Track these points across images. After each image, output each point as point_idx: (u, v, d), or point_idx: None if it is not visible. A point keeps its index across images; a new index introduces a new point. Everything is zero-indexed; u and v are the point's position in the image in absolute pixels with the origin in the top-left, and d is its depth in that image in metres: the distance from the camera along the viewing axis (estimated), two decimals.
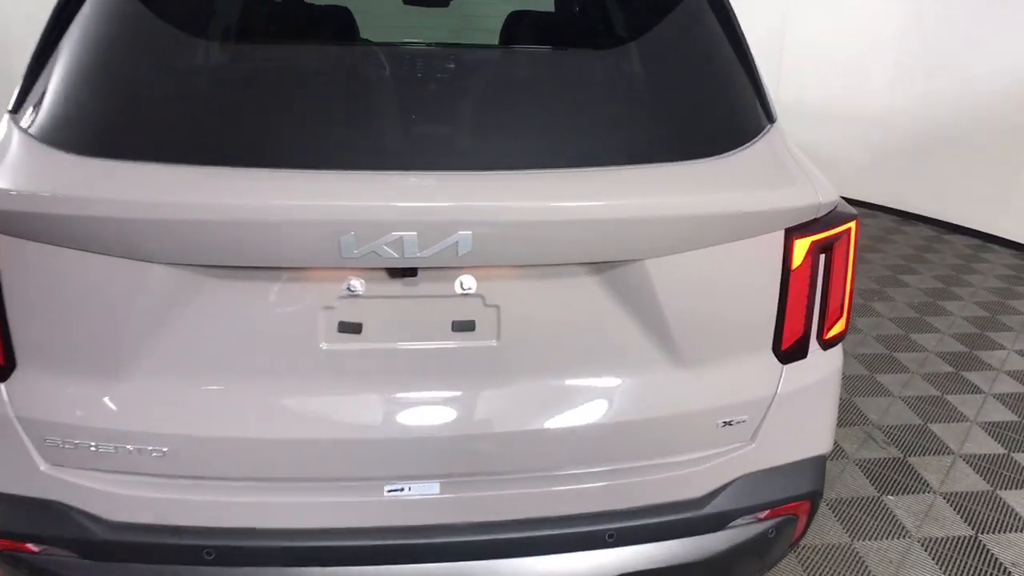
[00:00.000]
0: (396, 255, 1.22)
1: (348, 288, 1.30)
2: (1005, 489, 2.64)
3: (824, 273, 1.47)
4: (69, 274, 1.27)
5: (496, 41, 1.98)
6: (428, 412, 1.38)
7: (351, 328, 1.33)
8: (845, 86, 6.13)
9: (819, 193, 1.40)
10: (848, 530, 2.41)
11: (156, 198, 1.21)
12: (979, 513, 2.52)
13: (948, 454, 2.85)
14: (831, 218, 1.44)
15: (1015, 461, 2.81)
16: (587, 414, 1.41)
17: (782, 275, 1.41)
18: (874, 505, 2.54)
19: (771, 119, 1.53)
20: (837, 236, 1.45)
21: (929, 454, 2.84)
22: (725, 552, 1.50)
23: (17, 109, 1.39)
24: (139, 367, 1.32)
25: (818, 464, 1.61)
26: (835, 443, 2.80)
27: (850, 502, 2.55)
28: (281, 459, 1.36)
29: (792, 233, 1.39)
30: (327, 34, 1.76)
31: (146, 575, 1.37)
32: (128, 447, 1.33)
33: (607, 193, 1.29)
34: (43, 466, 1.36)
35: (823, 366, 1.55)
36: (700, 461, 1.49)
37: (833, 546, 2.34)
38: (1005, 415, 3.14)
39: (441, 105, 1.44)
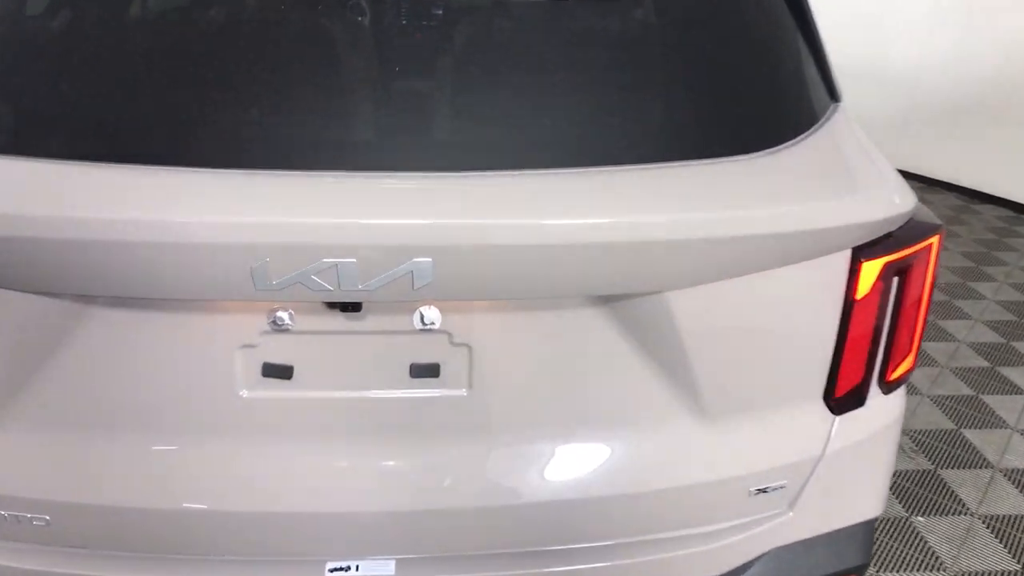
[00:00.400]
0: (330, 287, 0.88)
1: (273, 322, 0.97)
2: None
3: (895, 301, 1.12)
4: None
5: None
6: (379, 480, 1.07)
7: (279, 371, 1.02)
8: (867, 42, 5.68)
9: (897, 199, 1.04)
10: (875, 558, 2.12)
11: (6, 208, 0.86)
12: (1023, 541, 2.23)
13: (986, 467, 2.54)
14: (909, 231, 1.09)
15: None
16: (584, 484, 1.08)
17: (843, 307, 1.06)
18: (903, 528, 2.25)
19: (835, 98, 1.15)
20: (916, 254, 1.09)
21: (964, 467, 2.54)
22: None
23: None
24: (10, 417, 1.02)
25: (866, 531, 1.30)
26: None
27: (879, 523, 2.26)
28: (192, 533, 1.06)
29: (860, 253, 1.04)
30: None
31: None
32: (2, 513, 1.05)
33: (621, 205, 0.92)
34: None
35: (883, 414, 1.21)
36: (723, 534, 1.17)
37: None
38: None
39: (392, 76, 1.05)
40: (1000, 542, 2.21)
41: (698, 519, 1.15)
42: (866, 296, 1.06)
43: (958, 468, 2.53)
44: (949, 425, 2.76)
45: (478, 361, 1.02)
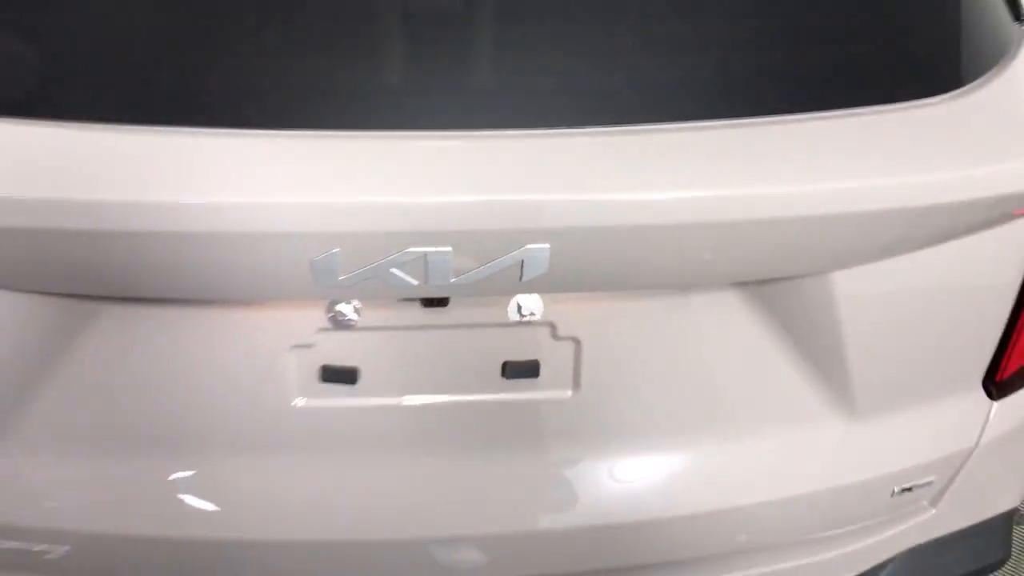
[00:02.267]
0: (414, 282, 0.71)
1: (334, 317, 0.80)
2: None
3: None
4: None
5: None
6: (464, 501, 0.92)
7: (341, 375, 0.85)
8: None
9: None
10: None
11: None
12: None
13: None
14: None
15: None
16: (711, 496, 0.94)
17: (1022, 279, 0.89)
18: None
19: (1021, 19, 0.94)
20: None
21: None
22: None
23: None
24: (15, 434, 0.87)
25: (1006, 523, 1.17)
26: None
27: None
28: (235, 568, 0.92)
29: None
30: None
31: None
32: (12, 545, 0.92)
33: (777, 168, 0.74)
34: None
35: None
36: (856, 537, 1.05)
37: None
38: None
39: (477, 13, 0.84)
40: None
41: (833, 523, 1.01)
42: None
43: None
44: None
45: (587, 357, 0.86)
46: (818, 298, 0.83)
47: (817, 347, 0.87)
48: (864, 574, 1.07)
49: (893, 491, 0.99)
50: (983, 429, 1.01)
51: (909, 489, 0.99)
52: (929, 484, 1.01)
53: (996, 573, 1.25)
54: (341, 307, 0.79)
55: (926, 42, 0.88)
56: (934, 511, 1.06)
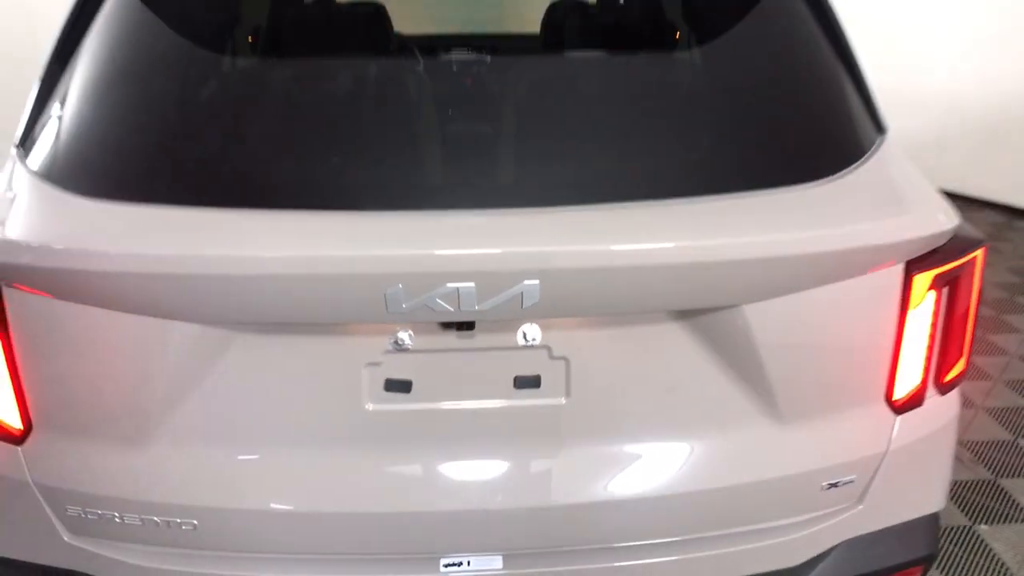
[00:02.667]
0: (451, 309, 1.05)
1: (395, 342, 1.13)
2: None
3: (946, 309, 1.25)
4: (83, 330, 1.13)
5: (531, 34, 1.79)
6: (488, 481, 1.21)
7: (399, 386, 1.17)
8: (905, 69, 5.80)
9: (942, 217, 1.19)
10: (941, 565, 2.19)
11: (177, 250, 1.06)
12: None
13: None
14: (954, 246, 1.23)
15: None
16: (672, 481, 1.22)
17: (899, 316, 1.20)
18: (967, 537, 2.31)
19: (881, 130, 1.31)
20: (961, 266, 1.23)
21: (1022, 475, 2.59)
22: None
23: (24, 142, 1.25)
24: (164, 432, 1.19)
25: (931, 524, 1.41)
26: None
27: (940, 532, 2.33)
28: (324, 534, 1.21)
29: (911, 267, 1.18)
30: (359, 47, 1.57)
31: None
32: (155, 519, 1.21)
33: (699, 230, 1.09)
34: (66, 536, 1.25)
35: (940, 414, 1.34)
36: (798, 527, 1.30)
37: None
38: None
39: (497, 129, 1.25)
40: None
41: (776, 512, 1.27)
42: (918, 306, 1.20)
43: (1018, 477, 2.58)
44: (1006, 436, 2.81)
45: (575, 373, 1.17)
46: (737, 325, 1.13)
47: (743, 365, 1.16)
48: (807, 562, 1.31)
49: (822, 485, 1.25)
50: (891, 438, 1.28)
51: (835, 484, 1.25)
52: (851, 482, 1.26)
53: None
54: (400, 335, 1.11)
55: (814, 146, 1.24)
56: (861, 507, 1.30)
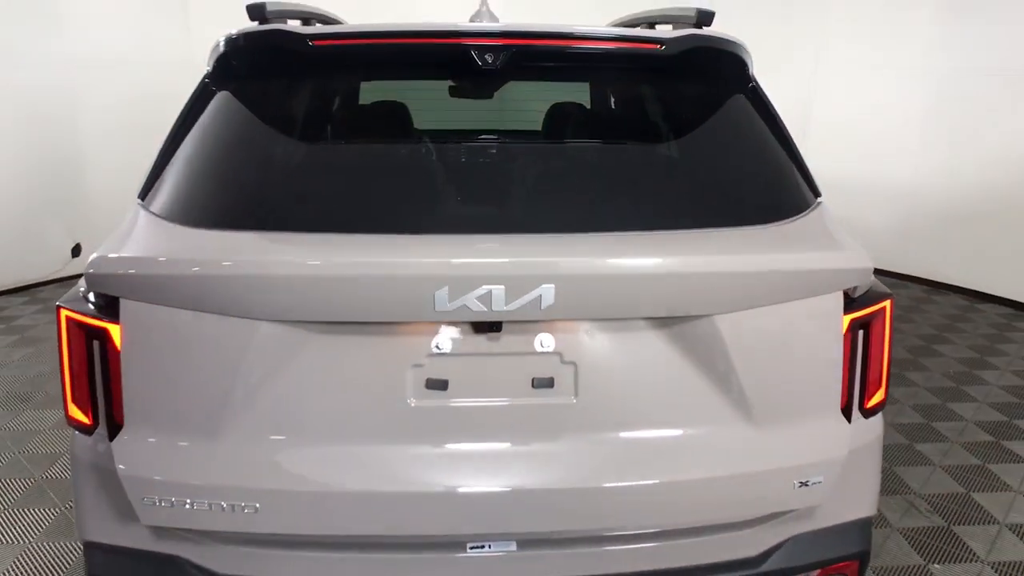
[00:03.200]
0: (484, 308, 1.34)
1: (436, 347, 1.43)
2: None
3: (864, 347, 1.60)
4: (182, 333, 1.41)
5: (536, 126, 2.24)
6: (510, 467, 1.47)
7: (438, 385, 1.44)
8: (871, 161, 6.32)
9: (863, 257, 1.54)
10: None
11: (270, 258, 1.38)
12: None
13: (994, 523, 2.87)
14: (867, 297, 1.59)
15: None
16: (665, 471, 1.49)
17: (844, 338, 1.53)
18: (921, 574, 2.57)
19: (817, 194, 1.69)
20: (874, 313, 1.59)
21: (974, 523, 2.87)
22: None
23: (144, 195, 1.61)
24: (238, 425, 1.44)
25: (865, 526, 1.70)
26: (879, 512, 2.85)
27: (897, 570, 2.59)
28: (371, 513, 1.46)
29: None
30: (398, 126, 2.01)
31: None
32: (222, 504, 1.43)
33: (675, 251, 1.44)
34: (146, 521, 1.48)
35: (866, 433, 1.66)
36: (759, 522, 1.59)
37: None
38: None
39: (527, 185, 1.63)
40: None
41: (756, 504, 1.53)
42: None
43: (969, 524, 2.86)
44: (960, 489, 3.11)
45: (582, 375, 1.46)
46: (709, 333, 1.44)
47: (718, 369, 1.46)
48: (763, 552, 1.59)
49: (794, 483, 1.50)
50: (846, 445, 1.56)
51: (806, 483, 1.51)
52: (820, 483, 1.52)
53: None
54: (438, 341, 1.41)
55: (767, 200, 1.61)
56: (810, 509, 1.62)
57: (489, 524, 1.48)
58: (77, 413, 1.52)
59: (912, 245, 6.18)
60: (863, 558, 1.69)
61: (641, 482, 1.48)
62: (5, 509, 2.88)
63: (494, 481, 1.46)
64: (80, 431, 1.55)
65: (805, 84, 6.60)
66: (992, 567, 2.61)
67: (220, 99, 1.69)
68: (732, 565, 1.57)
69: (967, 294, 5.87)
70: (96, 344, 1.47)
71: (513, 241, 1.42)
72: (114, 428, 1.48)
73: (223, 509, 1.43)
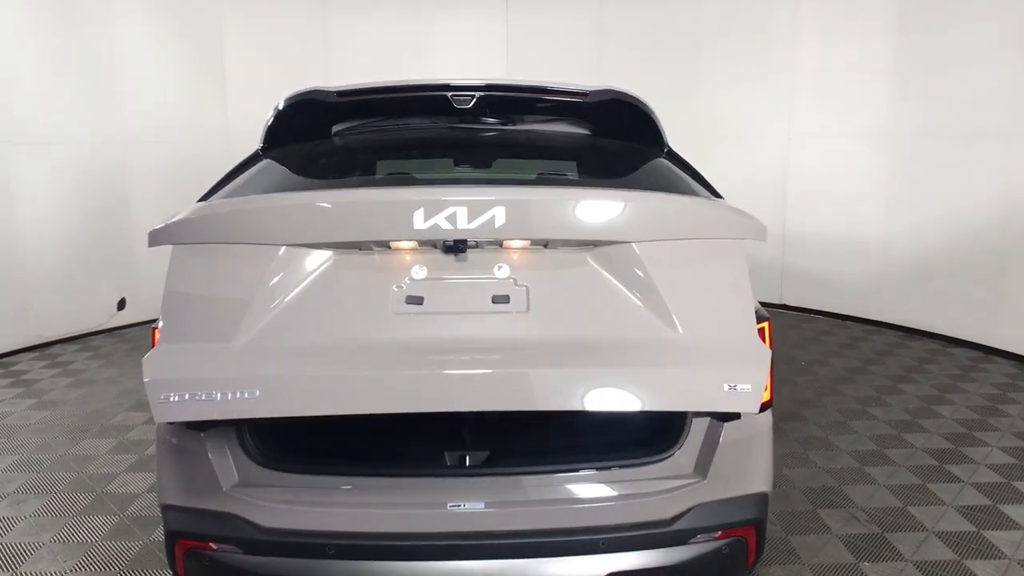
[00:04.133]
0: (451, 227, 1.78)
1: (414, 272, 1.89)
2: (971, 559, 3.06)
3: None
4: (218, 262, 1.91)
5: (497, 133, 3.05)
6: (473, 357, 1.84)
7: (415, 300, 1.89)
8: (844, 217, 6.85)
9: (758, 221, 2.05)
10: None
11: (293, 198, 2.03)
12: None
13: (923, 531, 3.29)
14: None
15: (984, 537, 3.23)
16: (601, 363, 1.85)
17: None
18: (852, 570, 2.99)
19: (719, 196, 2.32)
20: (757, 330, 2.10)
21: (905, 531, 3.29)
22: (688, 561, 2.06)
23: (206, 198, 2.20)
24: (249, 330, 1.82)
25: (760, 499, 2.17)
26: (821, 521, 3.30)
27: (833, 567, 3.01)
28: (356, 392, 1.79)
29: None
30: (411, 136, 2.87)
31: (285, 566, 1.99)
32: (228, 393, 1.73)
33: (598, 193, 1.99)
34: (225, 487, 2.01)
35: (757, 424, 2.16)
36: (670, 491, 2.08)
37: None
38: (980, 500, 3.56)
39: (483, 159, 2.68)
40: None
41: (693, 399, 1.85)
42: None
43: (900, 532, 3.27)
44: (898, 503, 3.52)
45: (533, 294, 1.86)
46: (631, 256, 1.89)
47: (643, 287, 1.88)
48: (675, 516, 2.06)
49: (724, 386, 1.83)
50: (766, 365, 1.91)
51: (734, 387, 1.82)
52: (747, 391, 1.83)
53: None
54: (415, 268, 1.88)
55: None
56: (705, 481, 2.08)
57: (454, 400, 1.79)
58: None
59: (885, 295, 6.64)
60: (758, 525, 2.15)
61: (585, 368, 1.82)
62: (73, 516, 3.41)
63: (460, 366, 1.81)
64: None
65: (783, 148, 7.20)
66: (915, 565, 3.02)
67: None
68: (649, 524, 2.04)
69: (938, 339, 6.29)
70: None
71: (473, 183, 2.05)
72: None
73: (228, 398, 1.73)
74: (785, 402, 4.87)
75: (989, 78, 5.68)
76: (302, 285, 1.87)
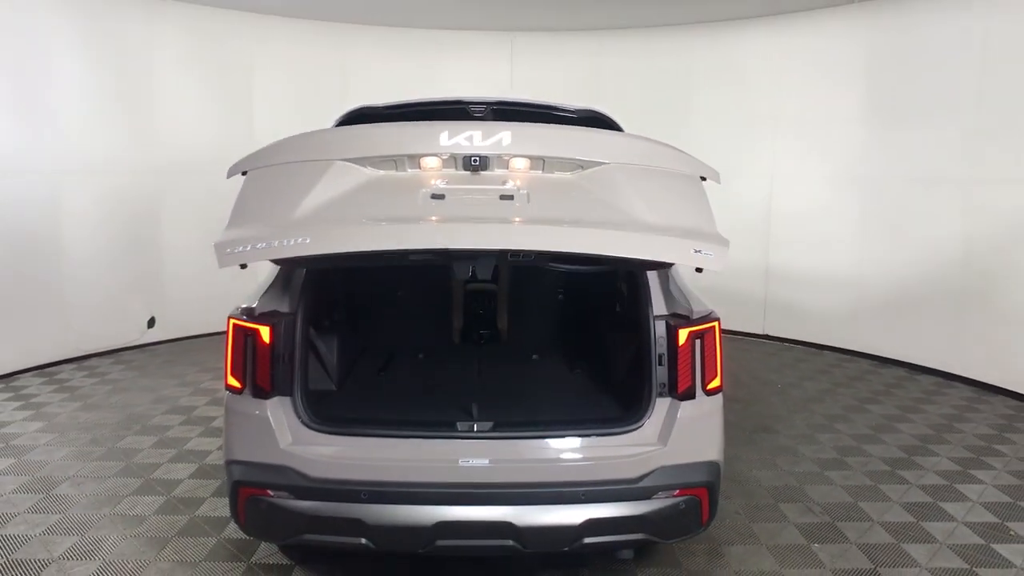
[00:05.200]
0: (469, 144, 2.35)
1: (437, 183, 2.46)
2: (908, 543, 3.54)
3: (701, 351, 2.65)
4: (286, 174, 2.49)
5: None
6: (485, 232, 2.29)
7: (439, 196, 2.44)
8: (821, 252, 7.41)
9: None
10: (779, 562, 3.35)
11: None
12: (882, 558, 3.42)
13: (869, 521, 3.76)
14: (704, 319, 2.65)
15: (921, 527, 3.70)
16: (595, 225, 2.35)
17: (670, 351, 2.60)
18: (804, 550, 3.47)
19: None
20: (707, 329, 2.64)
21: (854, 520, 3.77)
22: (651, 513, 2.57)
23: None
24: (305, 207, 2.38)
25: (712, 467, 2.69)
26: (781, 512, 3.79)
27: (786, 547, 3.49)
28: (387, 234, 2.25)
29: (676, 325, 2.60)
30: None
31: (327, 508, 2.51)
32: (284, 240, 2.17)
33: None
34: (282, 445, 2.54)
35: (708, 405, 2.68)
36: (638, 455, 2.60)
37: (765, 571, 3.27)
38: (924, 498, 4.04)
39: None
40: (865, 556, 3.41)
41: (665, 251, 2.32)
42: (683, 346, 2.60)
43: (849, 521, 3.74)
44: (849, 499, 4.00)
45: (533, 196, 2.41)
46: (612, 174, 2.45)
47: (625, 196, 2.41)
48: (641, 476, 2.57)
49: (692, 250, 2.25)
50: (726, 251, 2.47)
51: (700, 252, 2.24)
52: (711, 256, 2.25)
53: None
54: (439, 182, 2.43)
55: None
56: (665, 448, 2.60)
57: (467, 238, 2.24)
58: (233, 381, 2.60)
59: (860, 325, 7.17)
60: (710, 488, 2.66)
61: (579, 227, 2.34)
62: (126, 496, 3.91)
63: (473, 221, 2.34)
64: (232, 393, 2.62)
65: (766, 190, 7.80)
66: (858, 547, 3.49)
67: None
68: (620, 482, 2.56)
69: (907, 367, 6.79)
70: (248, 338, 2.57)
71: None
72: (257, 391, 2.57)
73: (284, 243, 2.16)
74: (759, 417, 5.37)
75: (947, 129, 6.29)
76: (349, 186, 2.43)
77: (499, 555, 2.95)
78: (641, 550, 3.30)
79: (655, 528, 2.60)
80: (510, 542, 2.48)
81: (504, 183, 2.46)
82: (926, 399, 5.91)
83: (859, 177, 7.04)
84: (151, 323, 7.24)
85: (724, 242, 2.30)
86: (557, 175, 2.55)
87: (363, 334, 3.88)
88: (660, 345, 2.67)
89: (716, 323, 2.69)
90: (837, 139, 7.19)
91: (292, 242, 2.11)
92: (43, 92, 6.24)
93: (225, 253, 2.16)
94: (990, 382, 6.12)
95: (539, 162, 2.53)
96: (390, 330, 3.97)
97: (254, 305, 2.69)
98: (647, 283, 2.80)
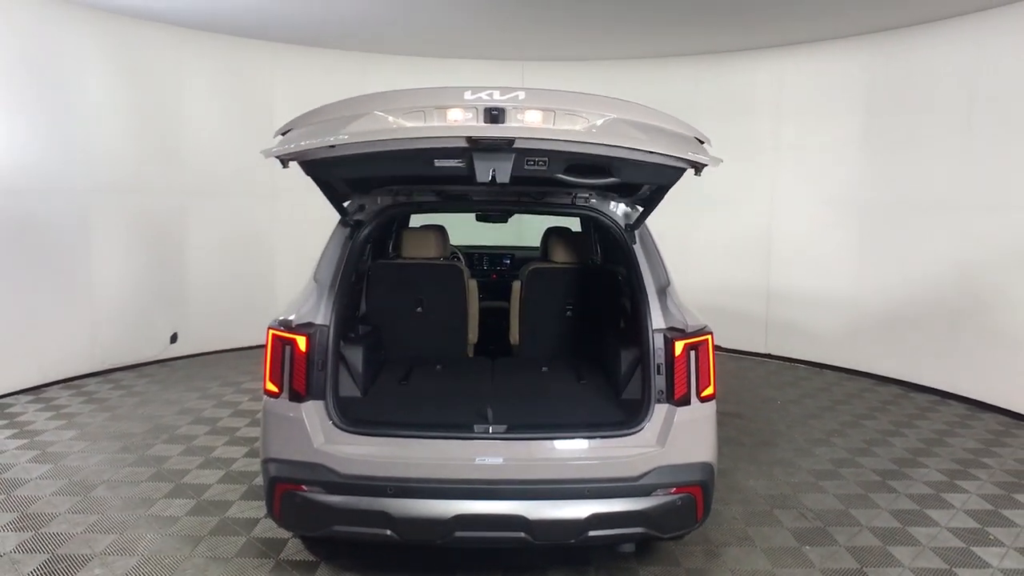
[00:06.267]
0: (489, 98, 2.54)
1: (470, 137, 2.62)
2: (893, 546, 3.76)
3: (696, 361, 2.91)
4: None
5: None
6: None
7: (473, 143, 2.57)
8: (820, 274, 7.67)
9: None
10: (772, 562, 3.57)
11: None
12: (868, 559, 3.64)
13: (858, 526, 3.99)
14: (698, 332, 2.92)
15: (907, 532, 3.92)
16: (604, 139, 2.62)
17: (667, 361, 2.87)
18: (795, 552, 3.69)
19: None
20: (700, 341, 2.91)
21: (844, 526, 3.99)
22: (650, 508, 2.81)
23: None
24: (343, 136, 2.63)
25: (706, 467, 2.94)
26: (775, 517, 4.02)
27: (778, 549, 3.71)
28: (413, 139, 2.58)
29: (673, 337, 2.87)
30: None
31: (356, 502, 2.76)
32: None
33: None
34: (316, 444, 2.81)
35: (702, 411, 2.94)
36: (638, 456, 2.85)
37: (759, 571, 3.50)
38: (911, 506, 4.26)
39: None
40: (853, 558, 3.64)
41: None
42: (679, 357, 2.86)
43: (840, 527, 3.97)
44: (840, 507, 4.23)
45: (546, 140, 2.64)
46: (617, 125, 2.68)
47: (629, 134, 2.64)
48: (641, 474, 2.82)
49: (690, 152, 2.60)
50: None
51: (696, 154, 2.61)
52: (703, 160, 2.66)
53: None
54: (466, 128, 2.61)
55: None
56: (663, 449, 2.85)
57: (495, 133, 2.54)
58: (271, 386, 2.88)
59: (858, 345, 7.40)
60: (704, 486, 2.91)
61: (591, 135, 2.65)
62: (159, 499, 4.17)
63: (497, 130, 2.57)
64: (270, 397, 2.90)
65: (767, 214, 8.08)
66: (846, 549, 3.72)
67: None
68: (622, 479, 2.81)
69: (903, 385, 7.01)
70: (285, 347, 2.85)
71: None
72: (293, 395, 2.84)
73: (325, 139, 2.55)
74: (759, 432, 5.59)
75: (941, 157, 6.57)
76: (381, 130, 2.67)
77: (511, 546, 3.20)
78: (643, 550, 3.54)
79: (654, 523, 2.84)
80: (522, 534, 2.73)
81: (519, 134, 2.64)
82: (920, 415, 6.12)
83: (858, 202, 7.31)
84: (174, 338, 7.53)
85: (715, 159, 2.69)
86: (568, 126, 2.75)
87: (386, 347, 4.15)
88: (658, 356, 2.93)
89: (709, 336, 2.95)
90: (837, 165, 7.47)
91: (332, 138, 2.48)
92: (76, 112, 6.60)
93: (272, 150, 2.51)
94: (982, 399, 6.33)
95: (551, 115, 2.75)
96: (410, 344, 4.24)
97: (291, 317, 2.97)
98: (647, 299, 3.09)
